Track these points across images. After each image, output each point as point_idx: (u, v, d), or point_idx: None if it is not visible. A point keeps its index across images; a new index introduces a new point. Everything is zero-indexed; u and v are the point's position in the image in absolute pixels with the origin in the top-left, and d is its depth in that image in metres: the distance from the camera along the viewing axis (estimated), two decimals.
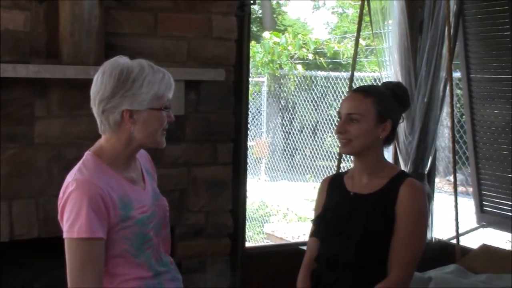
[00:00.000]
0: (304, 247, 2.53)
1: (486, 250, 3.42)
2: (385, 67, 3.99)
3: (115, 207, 1.89)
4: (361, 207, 2.29)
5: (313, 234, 2.44)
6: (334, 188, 2.44)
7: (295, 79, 9.95)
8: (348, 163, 5.68)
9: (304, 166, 9.61)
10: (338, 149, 3.84)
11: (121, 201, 1.91)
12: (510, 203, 4.04)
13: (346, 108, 2.29)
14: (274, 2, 15.31)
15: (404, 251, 2.22)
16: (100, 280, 1.89)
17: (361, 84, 7.67)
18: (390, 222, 2.23)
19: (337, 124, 2.33)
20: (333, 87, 9.07)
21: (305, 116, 9.83)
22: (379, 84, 2.50)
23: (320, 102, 9.34)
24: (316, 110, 9.53)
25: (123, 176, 1.97)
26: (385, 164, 2.39)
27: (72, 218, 1.85)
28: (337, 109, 2.35)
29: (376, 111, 2.26)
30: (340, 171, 3.65)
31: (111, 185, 1.91)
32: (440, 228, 4.21)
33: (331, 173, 2.69)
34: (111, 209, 1.88)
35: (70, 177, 1.92)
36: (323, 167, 9.02)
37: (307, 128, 9.77)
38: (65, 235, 1.88)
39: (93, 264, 1.86)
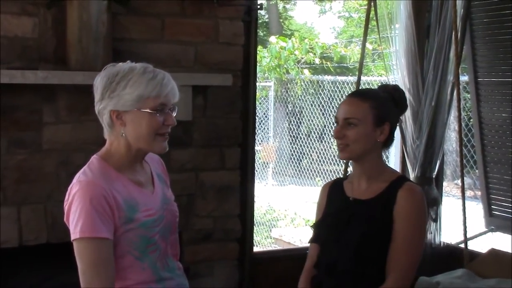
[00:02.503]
0: None
1: (495, 255, 3.40)
2: (392, 71, 3.99)
3: (119, 208, 1.90)
4: (360, 213, 2.27)
5: (313, 240, 2.43)
6: (334, 194, 2.43)
7: (302, 83, 9.94)
8: None
9: (311, 171, 9.60)
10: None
11: (126, 203, 1.92)
12: None
13: (343, 113, 2.27)
14: (280, 7, 15.33)
15: (402, 256, 2.20)
16: (113, 281, 1.88)
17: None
18: (388, 227, 2.21)
19: (333, 129, 2.32)
20: (340, 92, 9.07)
21: (312, 121, 9.82)
22: (376, 87, 2.48)
23: (327, 107, 9.33)
24: (323, 114, 9.52)
25: (129, 178, 1.98)
26: (385, 168, 2.37)
27: (76, 219, 1.86)
28: (335, 115, 2.34)
29: (373, 114, 2.25)
30: (347, 175, 3.64)
31: (116, 187, 1.92)
32: (448, 232, 4.19)
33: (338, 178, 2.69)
34: (116, 210, 1.89)
35: (75, 180, 1.94)
36: (331, 171, 9.01)
37: (314, 133, 9.76)
38: (71, 237, 1.89)
39: (105, 264, 1.86)
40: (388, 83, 3.82)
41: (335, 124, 2.32)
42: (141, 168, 2.04)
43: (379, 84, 2.55)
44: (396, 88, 2.42)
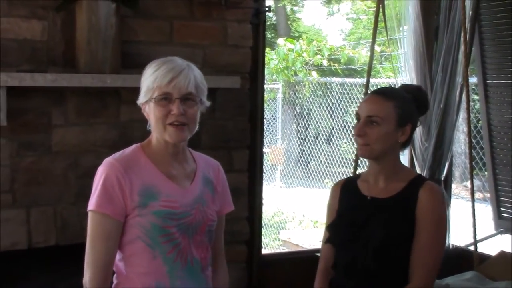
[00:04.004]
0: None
1: (504, 257, 3.38)
2: (401, 73, 3.98)
3: (132, 191, 1.95)
4: (379, 212, 2.24)
5: (328, 240, 2.38)
6: (347, 193, 2.38)
7: (310, 85, 9.95)
8: (364, 170, 5.67)
9: (319, 173, 9.59)
10: (354, 155, 3.82)
11: (144, 189, 1.97)
12: None
13: (367, 110, 2.23)
14: (288, 9, 15.34)
15: (427, 256, 2.18)
16: (109, 258, 1.96)
17: None
18: (410, 226, 2.19)
19: (354, 126, 2.27)
20: (348, 94, 9.07)
21: (320, 123, 9.82)
22: (397, 87, 2.46)
23: (335, 109, 9.34)
24: (331, 116, 9.52)
25: (159, 169, 2.02)
26: (402, 167, 2.35)
27: (92, 193, 1.98)
28: (356, 111, 2.30)
29: (397, 115, 2.22)
30: (360, 174, 3.62)
31: (140, 173, 1.98)
32: (458, 234, 4.18)
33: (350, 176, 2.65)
34: (128, 193, 1.95)
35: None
36: (339, 173, 9.00)
37: (322, 135, 9.76)
38: None
39: (103, 239, 1.95)
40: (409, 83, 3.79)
41: (354, 122, 2.29)
42: (176, 163, 2.06)
43: (401, 84, 2.53)
44: (419, 89, 2.39)
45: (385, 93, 2.30)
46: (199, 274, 2.06)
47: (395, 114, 2.22)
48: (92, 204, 1.96)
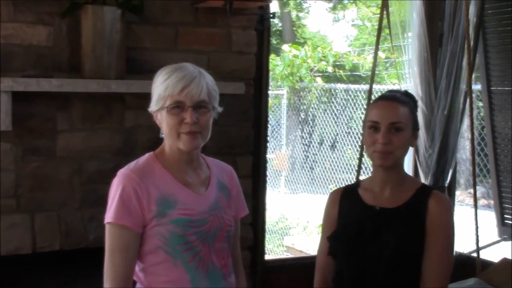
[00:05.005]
0: None
1: (507, 264, 3.38)
2: (405, 79, 3.99)
3: (150, 202, 1.94)
4: (388, 222, 2.17)
5: (330, 252, 2.28)
6: (348, 202, 2.30)
7: (315, 91, 9.96)
8: (367, 176, 5.66)
9: (324, 179, 9.59)
10: (357, 161, 3.82)
11: (162, 198, 1.95)
12: None
13: (389, 117, 2.15)
14: (294, 15, 15.36)
15: (440, 267, 2.14)
16: (129, 270, 1.94)
17: None
18: (421, 237, 2.14)
19: (369, 134, 2.18)
20: (352, 100, 9.08)
21: (324, 129, 9.83)
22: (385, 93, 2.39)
23: (340, 115, 9.35)
24: (336, 122, 9.54)
25: (175, 177, 2.01)
26: (406, 175, 2.30)
27: (108, 205, 1.96)
28: (371, 119, 2.18)
29: (412, 120, 2.20)
30: (359, 182, 3.60)
31: (156, 182, 1.97)
32: (461, 241, 4.17)
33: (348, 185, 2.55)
34: (145, 203, 1.93)
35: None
36: (343, 179, 9.00)
37: (326, 141, 9.77)
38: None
39: (122, 252, 1.93)
40: (411, 92, 3.77)
41: (369, 130, 2.18)
42: (191, 170, 2.05)
43: (389, 90, 2.46)
44: (408, 93, 2.34)
45: (398, 98, 2.22)
46: (221, 282, 2.04)
47: (412, 119, 2.19)
48: (109, 216, 1.94)
